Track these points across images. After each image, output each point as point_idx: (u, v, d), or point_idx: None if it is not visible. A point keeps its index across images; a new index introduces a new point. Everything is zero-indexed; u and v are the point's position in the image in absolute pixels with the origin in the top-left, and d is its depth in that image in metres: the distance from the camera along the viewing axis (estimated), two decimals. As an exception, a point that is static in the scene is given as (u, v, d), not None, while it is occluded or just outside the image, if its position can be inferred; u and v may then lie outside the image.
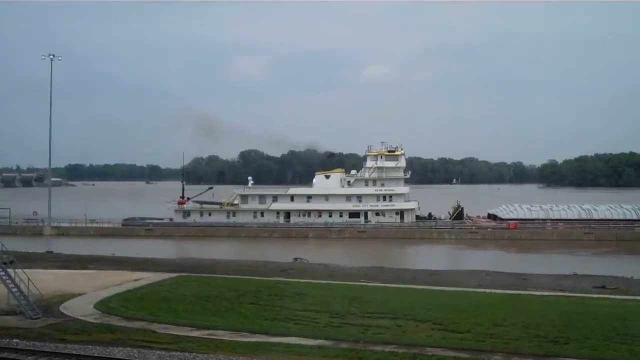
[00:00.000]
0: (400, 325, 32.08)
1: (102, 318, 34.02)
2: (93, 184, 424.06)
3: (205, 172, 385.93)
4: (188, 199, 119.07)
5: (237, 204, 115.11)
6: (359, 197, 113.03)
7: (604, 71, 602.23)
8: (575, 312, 35.75)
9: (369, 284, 49.21)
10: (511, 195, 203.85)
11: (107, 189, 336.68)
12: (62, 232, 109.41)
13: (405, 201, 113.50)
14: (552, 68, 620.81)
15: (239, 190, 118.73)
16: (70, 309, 36.44)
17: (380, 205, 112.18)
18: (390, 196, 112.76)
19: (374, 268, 61.34)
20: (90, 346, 27.27)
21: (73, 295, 40.40)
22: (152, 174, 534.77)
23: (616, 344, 28.35)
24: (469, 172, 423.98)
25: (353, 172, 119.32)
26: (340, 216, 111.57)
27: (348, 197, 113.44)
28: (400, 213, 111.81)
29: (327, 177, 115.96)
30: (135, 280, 47.65)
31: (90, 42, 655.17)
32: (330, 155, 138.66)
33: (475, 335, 29.67)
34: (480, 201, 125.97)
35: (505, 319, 33.15)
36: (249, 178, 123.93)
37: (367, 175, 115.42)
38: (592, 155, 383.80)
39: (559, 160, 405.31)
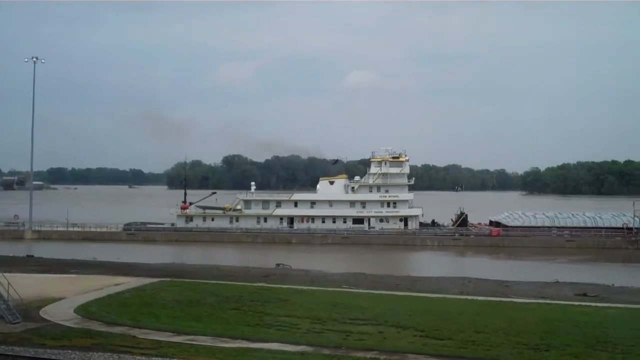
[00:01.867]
0: (382, 331, 32.05)
1: (83, 323, 33.79)
2: (75, 188, 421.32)
3: (189, 176, 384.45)
4: (190, 203, 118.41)
5: (239, 209, 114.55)
6: (363, 203, 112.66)
7: (587, 81, 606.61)
8: (557, 320, 35.88)
9: (351, 290, 49.18)
10: (499, 202, 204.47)
11: (90, 193, 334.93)
12: (43, 236, 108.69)
13: (409, 207, 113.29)
14: (536, 77, 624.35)
15: (242, 195, 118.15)
16: (50, 313, 36.17)
17: (385, 211, 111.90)
18: (395, 202, 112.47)
19: (357, 274, 61.30)
20: (70, 351, 27.07)
21: (53, 300, 40.10)
22: (135, 178, 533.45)
23: (597, 351, 28.49)
24: (452, 178, 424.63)
25: (357, 178, 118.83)
26: (344, 222, 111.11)
27: (352, 203, 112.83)
28: (404, 219, 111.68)
29: (332, 183, 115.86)
30: (117, 285, 47.38)
31: (76, 46, 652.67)
32: (335, 161, 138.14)
33: (457, 342, 29.70)
34: (472, 208, 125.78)
35: (487, 326, 33.22)
36: (252, 183, 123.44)
37: (371, 181, 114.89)
38: (575, 163, 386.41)
39: (542, 168, 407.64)
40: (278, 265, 70.26)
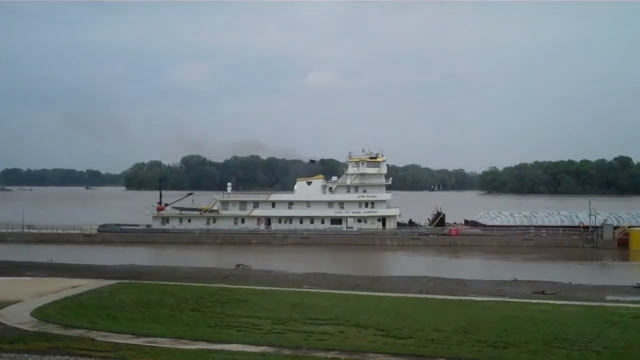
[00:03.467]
0: (342, 331, 32.03)
1: (39, 326, 33.21)
2: (31, 189, 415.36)
3: (147, 177, 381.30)
4: (166, 204, 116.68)
5: (216, 210, 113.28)
6: (341, 204, 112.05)
7: (542, 82, 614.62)
8: (515, 317, 36.24)
9: (311, 290, 49.16)
10: (461, 201, 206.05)
11: (46, 194, 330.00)
12: None
13: (387, 207, 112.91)
14: (492, 78, 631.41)
15: (219, 196, 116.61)
16: (6, 316, 35.49)
17: (363, 211, 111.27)
18: (373, 203, 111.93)
19: (317, 274, 61.36)
20: (26, 355, 26.61)
21: (9, 303, 39.38)
22: (92, 179, 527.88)
23: (555, 348, 28.79)
24: (412, 178, 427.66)
25: (334, 178, 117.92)
26: (322, 222, 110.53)
27: (330, 204, 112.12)
28: (382, 219, 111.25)
29: (309, 183, 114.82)
30: (74, 287, 46.72)
31: (30, 44, 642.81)
32: (313, 161, 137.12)
33: (417, 341, 29.80)
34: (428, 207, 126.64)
35: (447, 325, 33.40)
36: (228, 184, 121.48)
37: (348, 181, 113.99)
38: (532, 162, 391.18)
39: (500, 168, 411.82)
40: (238, 266, 70.01)
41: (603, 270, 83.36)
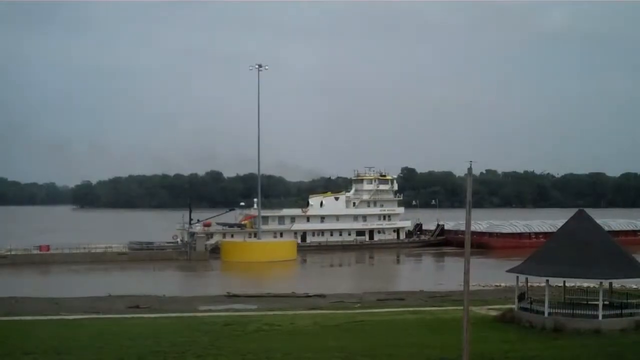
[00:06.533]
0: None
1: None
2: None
3: (100, 193, 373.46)
4: (198, 220, 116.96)
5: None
6: (364, 217, 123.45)
7: (499, 91, 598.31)
8: (109, 333, 38.46)
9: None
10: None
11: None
12: None
13: (400, 220, 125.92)
14: (455, 87, 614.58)
15: (247, 211, 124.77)
16: None
17: (384, 224, 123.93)
18: (390, 216, 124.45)
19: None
20: None
21: None
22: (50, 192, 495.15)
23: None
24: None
25: (348, 194, 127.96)
26: (349, 235, 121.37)
27: (355, 217, 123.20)
28: (397, 231, 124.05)
29: (337, 199, 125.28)
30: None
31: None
32: (335, 178, 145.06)
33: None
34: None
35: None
36: (255, 200, 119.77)
37: (367, 197, 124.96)
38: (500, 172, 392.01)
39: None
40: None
41: (197, 281, 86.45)
